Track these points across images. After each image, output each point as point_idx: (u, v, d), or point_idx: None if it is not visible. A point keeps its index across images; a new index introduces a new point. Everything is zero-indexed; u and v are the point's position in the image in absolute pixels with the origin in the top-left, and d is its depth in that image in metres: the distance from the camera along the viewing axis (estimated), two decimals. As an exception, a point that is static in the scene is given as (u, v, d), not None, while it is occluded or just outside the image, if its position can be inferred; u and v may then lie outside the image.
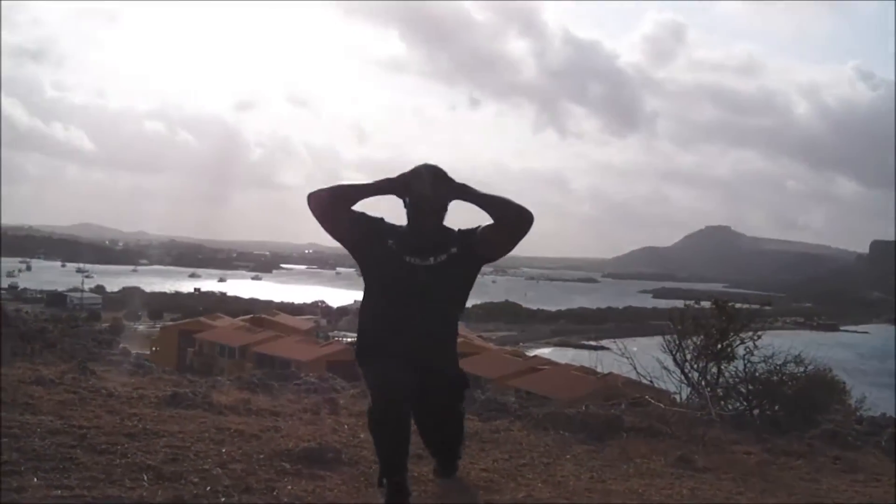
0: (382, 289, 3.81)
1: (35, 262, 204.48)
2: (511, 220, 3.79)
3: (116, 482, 3.53)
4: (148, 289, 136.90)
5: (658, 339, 8.21)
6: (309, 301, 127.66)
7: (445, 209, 3.86)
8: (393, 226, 3.87)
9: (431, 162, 3.81)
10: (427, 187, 3.74)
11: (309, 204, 3.79)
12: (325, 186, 3.83)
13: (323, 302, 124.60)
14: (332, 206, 3.77)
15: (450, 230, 3.87)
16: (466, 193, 3.82)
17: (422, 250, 3.75)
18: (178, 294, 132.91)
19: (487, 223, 3.83)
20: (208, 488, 3.59)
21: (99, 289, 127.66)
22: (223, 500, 3.47)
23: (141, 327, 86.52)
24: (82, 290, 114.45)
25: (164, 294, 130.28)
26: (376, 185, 3.84)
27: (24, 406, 4.64)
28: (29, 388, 5.14)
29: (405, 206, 3.84)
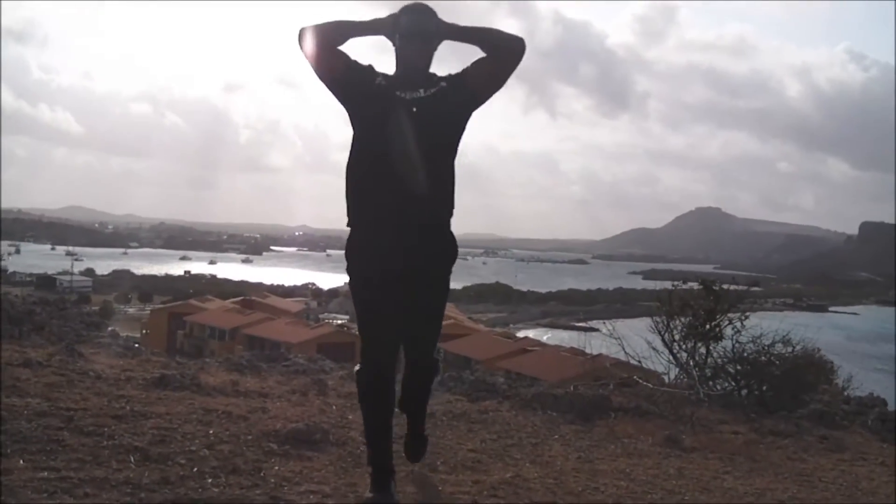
0: (372, 127, 3.64)
1: (24, 246, 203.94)
2: (502, 48, 3.66)
3: (103, 464, 3.52)
4: (138, 271, 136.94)
5: (647, 321, 8.23)
6: (299, 283, 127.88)
7: (435, 47, 3.72)
8: (382, 73, 3.70)
9: None
10: (417, 19, 3.62)
11: (299, 40, 3.65)
12: (316, 23, 3.67)
13: (313, 284, 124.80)
14: (325, 41, 3.63)
15: (438, 75, 3.72)
16: (455, 30, 3.70)
17: (411, 84, 3.62)
18: (168, 276, 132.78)
19: (477, 58, 3.68)
20: (195, 469, 3.58)
21: (89, 272, 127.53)
22: (210, 481, 3.47)
23: (131, 310, 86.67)
24: (72, 273, 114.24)
25: (154, 277, 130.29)
26: (368, 22, 3.71)
27: (11, 388, 4.62)
28: (16, 371, 5.11)
29: (394, 46, 3.69)
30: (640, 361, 7.87)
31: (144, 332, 55.49)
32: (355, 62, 3.66)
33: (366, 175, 3.60)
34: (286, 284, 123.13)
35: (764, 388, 7.07)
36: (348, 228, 3.65)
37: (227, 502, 3.26)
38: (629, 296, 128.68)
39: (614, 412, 6.04)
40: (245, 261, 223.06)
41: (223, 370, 6.41)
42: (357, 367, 3.65)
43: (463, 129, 3.70)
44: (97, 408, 4.44)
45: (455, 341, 43.10)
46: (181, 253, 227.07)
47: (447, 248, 3.69)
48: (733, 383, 7.27)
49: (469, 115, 3.70)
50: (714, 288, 7.95)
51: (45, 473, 3.29)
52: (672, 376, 7.67)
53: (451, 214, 3.68)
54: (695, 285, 8.40)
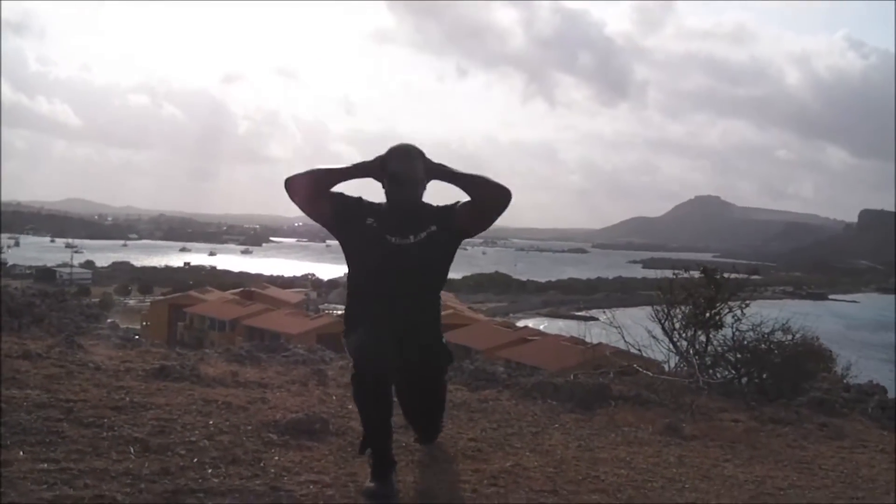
0: (364, 268, 3.84)
1: (24, 238, 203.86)
2: (488, 198, 3.81)
3: (103, 455, 3.52)
4: (138, 263, 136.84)
5: (647, 310, 8.23)
6: (299, 274, 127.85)
7: (424, 187, 3.86)
8: (372, 204, 3.89)
9: (418, 139, 3.83)
10: (404, 165, 3.75)
11: (287, 190, 3.80)
12: (302, 171, 3.84)
13: (313, 275, 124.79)
14: (311, 190, 3.79)
15: (428, 206, 3.88)
16: (443, 173, 3.84)
17: (401, 228, 3.76)
18: (168, 268, 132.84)
19: (466, 200, 3.83)
20: (195, 460, 3.59)
21: (88, 264, 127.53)
22: (210, 471, 3.47)
23: (131, 302, 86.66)
24: (71, 266, 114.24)
25: (154, 268, 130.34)
26: (353, 168, 3.87)
27: (11, 380, 4.61)
28: (16, 363, 5.11)
29: (383, 188, 3.84)
30: (640, 350, 7.86)
31: (144, 323, 55.51)
32: (343, 201, 3.84)
33: (363, 299, 3.87)
34: (286, 275, 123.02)
35: (764, 376, 7.07)
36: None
37: (227, 492, 3.26)
38: (629, 285, 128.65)
39: (614, 401, 6.04)
40: (245, 252, 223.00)
41: (223, 361, 6.41)
42: (352, 372, 3.69)
43: (452, 259, 3.92)
44: (97, 399, 4.44)
45: (455, 331, 43.10)
46: (181, 244, 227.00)
47: (441, 358, 4.01)
48: (733, 371, 7.27)
49: (457, 247, 3.93)
50: (715, 276, 7.95)
51: (45, 465, 3.29)
52: (672, 365, 7.68)
53: (441, 335, 3.96)
54: (695, 274, 8.40)
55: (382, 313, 3.70)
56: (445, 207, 3.86)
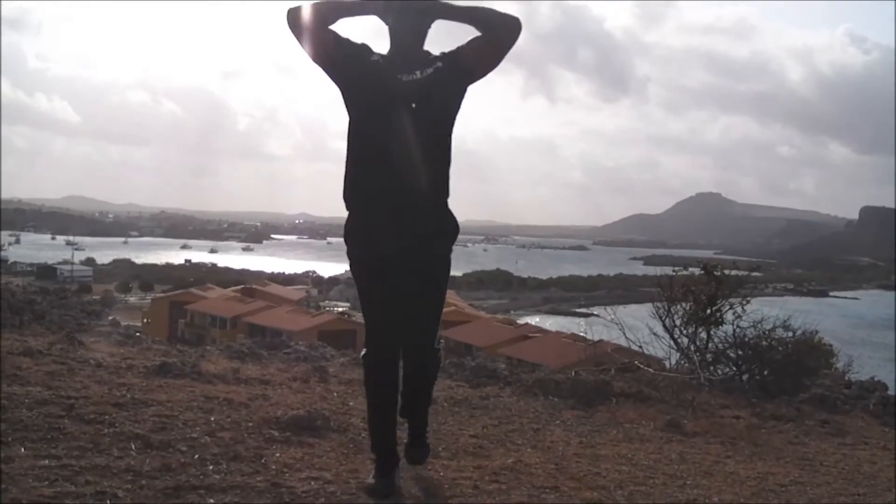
0: (369, 109, 3.60)
1: (24, 236, 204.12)
2: (497, 28, 3.59)
3: (104, 451, 3.51)
4: (139, 261, 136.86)
5: (648, 306, 8.24)
6: (300, 271, 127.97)
7: (428, 25, 3.66)
8: (376, 51, 3.65)
9: None
10: None
11: (288, 21, 3.57)
12: (304, 2, 3.58)
13: (314, 272, 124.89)
14: (314, 21, 3.56)
15: (431, 53, 3.67)
16: (448, 8, 3.63)
17: (407, 65, 3.57)
18: (168, 265, 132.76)
19: (472, 37, 3.62)
20: (196, 456, 3.58)
21: (89, 261, 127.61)
22: (211, 468, 3.46)
23: (132, 299, 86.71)
24: (72, 263, 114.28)
25: (154, 266, 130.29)
26: (360, 2, 3.68)
27: (12, 377, 4.61)
28: (17, 360, 5.11)
29: (387, 24, 3.64)
30: (641, 347, 7.87)
31: (145, 320, 55.53)
32: (348, 40, 3.60)
33: (364, 157, 3.57)
34: (287, 272, 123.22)
35: (765, 372, 7.07)
36: (347, 212, 3.63)
37: (228, 489, 3.25)
38: (630, 281, 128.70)
39: (616, 397, 6.04)
40: (245, 249, 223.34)
41: (224, 358, 6.41)
42: (363, 352, 3.64)
43: (459, 107, 3.66)
44: (98, 396, 4.44)
45: (456, 328, 43.17)
46: (182, 242, 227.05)
47: (447, 227, 3.67)
48: (734, 368, 7.28)
49: (464, 92, 3.66)
50: (716, 273, 7.95)
51: (46, 461, 3.29)
52: (673, 361, 7.68)
53: (448, 193, 3.64)
54: (696, 271, 8.40)
55: (388, 176, 3.49)
56: (451, 50, 3.64)
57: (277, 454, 3.80)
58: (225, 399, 4.73)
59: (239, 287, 68.46)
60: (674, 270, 8.70)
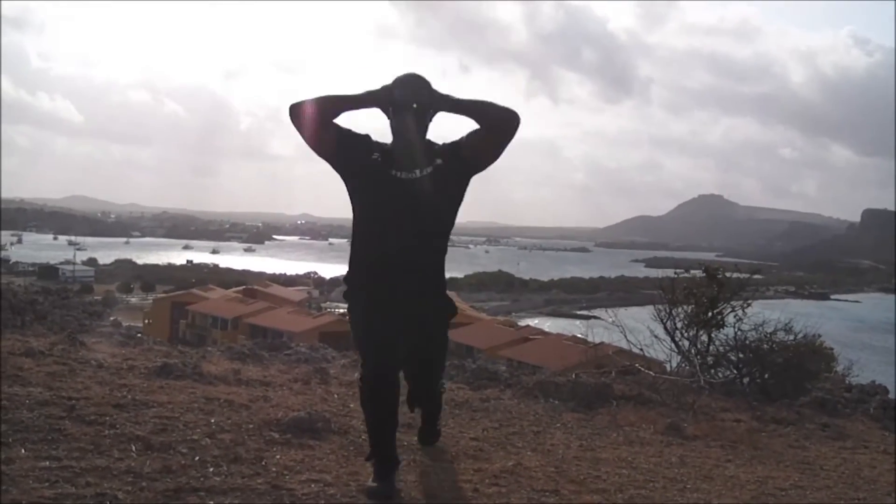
0: (369, 205, 3.69)
1: (26, 235, 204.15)
2: (496, 122, 3.65)
3: (105, 453, 3.52)
4: (140, 261, 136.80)
5: (650, 309, 8.23)
6: (301, 272, 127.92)
7: (430, 119, 3.73)
8: (378, 142, 3.73)
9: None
10: (411, 94, 3.62)
11: (291, 116, 3.64)
12: (308, 98, 3.67)
13: (315, 273, 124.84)
14: (316, 117, 3.63)
15: (434, 143, 3.74)
16: (449, 102, 3.68)
17: (407, 163, 3.63)
18: (170, 266, 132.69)
19: (472, 129, 3.69)
20: (197, 458, 3.58)
21: (91, 261, 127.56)
22: (212, 469, 3.47)
23: (133, 299, 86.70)
24: (74, 263, 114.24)
25: (156, 266, 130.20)
26: (360, 95, 3.70)
27: (13, 378, 4.62)
28: (18, 360, 5.11)
29: (389, 118, 3.70)
30: (642, 349, 7.86)
31: (147, 321, 55.51)
32: (350, 134, 3.69)
33: (368, 248, 3.72)
34: (288, 273, 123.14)
35: (766, 375, 7.07)
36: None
37: (228, 491, 3.25)
38: (631, 284, 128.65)
39: (616, 400, 6.04)
40: (247, 250, 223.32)
41: (225, 359, 6.41)
42: (358, 375, 3.67)
43: (461, 199, 3.78)
44: (99, 397, 4.44)
45: (457, 330, 43.06)
46: (183, 242, 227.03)
47: (445, 309, 3.90)
48: (735, 371, 7.28)
49: (467, 184, 3.77)
50: (717, 275, 7.95)
51: (47, 463, 3.30)
52: (674, 364, 7.68)
53: (445, 283, 3.85)
54: (697, 273, 8.40)
55: (387, 266, 3.64)
56: (451, 143, 3.72)
57: (278, 456, 3.80)
58: (226, 400, 4.74)
59: (240, 288, 68.45)
60: (675, 273, 8.70)
